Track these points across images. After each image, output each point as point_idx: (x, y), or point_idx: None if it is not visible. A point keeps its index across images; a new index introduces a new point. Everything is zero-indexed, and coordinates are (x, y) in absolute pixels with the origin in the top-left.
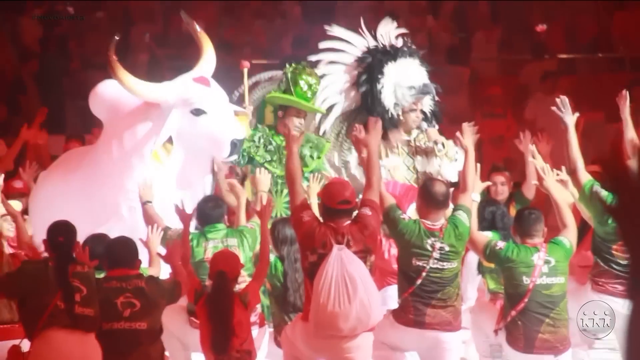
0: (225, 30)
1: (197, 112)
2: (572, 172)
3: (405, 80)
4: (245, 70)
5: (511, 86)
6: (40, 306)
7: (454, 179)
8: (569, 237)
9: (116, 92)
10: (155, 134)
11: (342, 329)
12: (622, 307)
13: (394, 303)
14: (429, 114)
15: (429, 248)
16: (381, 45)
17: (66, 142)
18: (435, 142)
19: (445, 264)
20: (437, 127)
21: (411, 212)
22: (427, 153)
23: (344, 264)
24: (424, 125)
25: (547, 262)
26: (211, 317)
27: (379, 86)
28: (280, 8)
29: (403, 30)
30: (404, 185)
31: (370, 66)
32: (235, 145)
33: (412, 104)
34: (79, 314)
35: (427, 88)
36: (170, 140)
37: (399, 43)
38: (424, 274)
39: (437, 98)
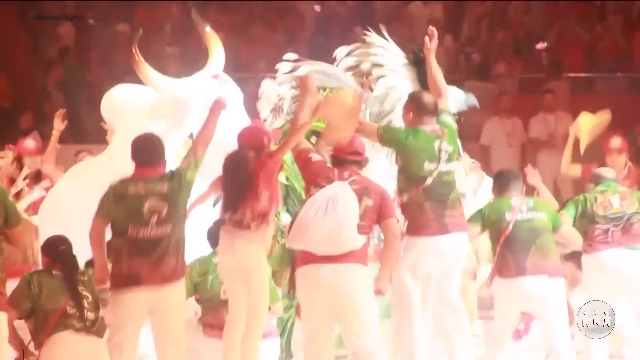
0: (240, 44)
1: None
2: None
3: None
4: None
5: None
6: (47, 314)
7: None
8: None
9: (128, 96)
10: (175, 132)
11: (310, 239)
12: (616, 256)
13: None
14: None
15: (436, 151)
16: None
17: (76, 155)
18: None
19: (451, 165)
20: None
21: None
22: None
23: (336, 190)
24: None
25: (527, 204)
26: (227, 179)
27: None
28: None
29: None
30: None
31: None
32: None
33: None
34: (89, 318)
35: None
36: (191, 136)
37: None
38: (435, 173)
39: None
